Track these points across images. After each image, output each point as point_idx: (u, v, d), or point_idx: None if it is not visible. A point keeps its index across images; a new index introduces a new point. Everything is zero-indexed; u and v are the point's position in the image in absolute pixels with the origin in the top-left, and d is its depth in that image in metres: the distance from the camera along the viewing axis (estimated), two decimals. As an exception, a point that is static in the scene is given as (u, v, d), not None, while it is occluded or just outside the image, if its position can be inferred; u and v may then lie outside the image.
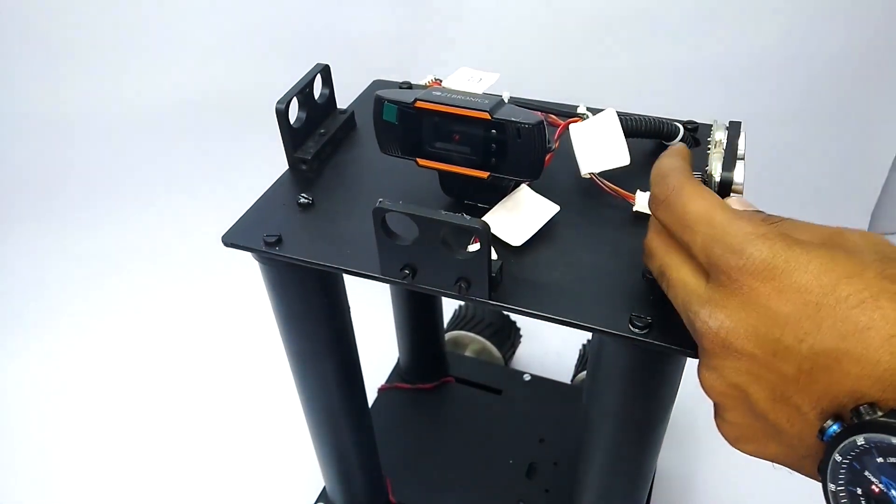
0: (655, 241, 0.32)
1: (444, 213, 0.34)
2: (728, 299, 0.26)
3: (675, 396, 0.42)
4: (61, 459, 0.80)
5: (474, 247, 0.35)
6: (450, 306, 0.85)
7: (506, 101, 0.39)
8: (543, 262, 0.39)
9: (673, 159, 0.32)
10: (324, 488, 0.68)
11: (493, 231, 0.38)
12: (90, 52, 1.13)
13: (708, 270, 0.28)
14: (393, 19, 1.11)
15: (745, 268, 0.26)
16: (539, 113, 0.37)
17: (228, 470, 0.78)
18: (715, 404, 0.30)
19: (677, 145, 0.35)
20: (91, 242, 1.09)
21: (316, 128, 0.48)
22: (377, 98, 0.39)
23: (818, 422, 0.25)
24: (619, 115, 0.41)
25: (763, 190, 0.98)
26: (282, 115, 0.43)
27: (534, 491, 0.67)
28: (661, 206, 0.30)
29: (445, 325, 0.82)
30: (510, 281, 0.38)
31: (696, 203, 0.29)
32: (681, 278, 0.30)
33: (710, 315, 0.27)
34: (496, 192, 0.41)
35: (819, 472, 0.26)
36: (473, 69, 0.44)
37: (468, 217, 0.33)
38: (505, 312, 0.84)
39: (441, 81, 0.45)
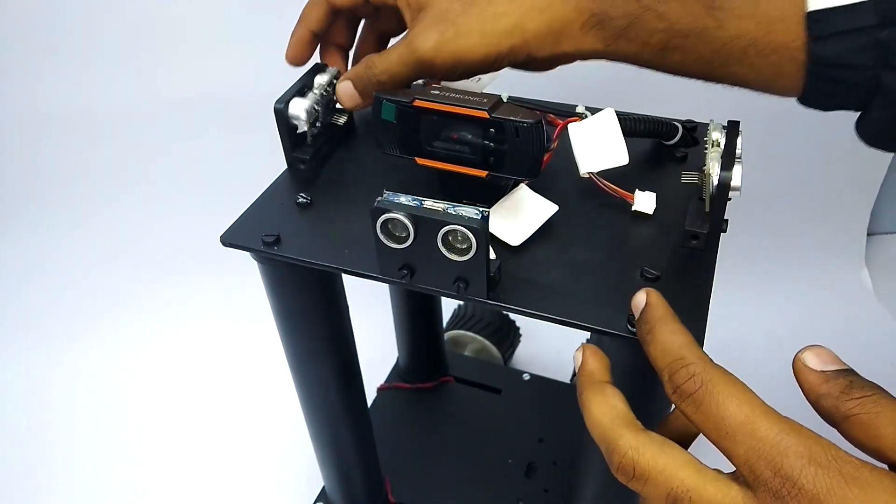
0: (661, 458, 0.25)
1: (441, 212, 0.34)
2: None
3: (674, 396, 0.42)
4: (59, 459, 0.80)
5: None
6: (449, 306, 0.85)
7: (504, 100, 0.39)
8: (542, 262, 0.39)
9: (677, 335, 0.28)
10: (323, 488, 0.68)
11: (491, 230, 0.38)
12: (89, 52, 1.13)
13: (751, 484, 0.24)
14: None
15: (793, 495, 0.23)
16: (538, 112, 0.37)
17: (228, 470, 0.78)
18: None
19: (653, 297, 0.30)
20: (89, 241, 1.09)
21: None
22: (376, 97, 0.39)
23: None
24: (618, 114, 0.41)
25: (762, 190, 0.98)
26: (280, 114, 0.43)
27: (533, 490, 0.67)
28: (687, 401, 0.26)
29: (445, 325, 0.82)
30: (509, 280, 0.38)
31: (735, 407, 0.25)
32: (716, 499, 0.25)
33: None
34: (495, 192, 0.41)
35: None
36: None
37: (466, 217, 0.33)
38: (504, 312, 0.84)
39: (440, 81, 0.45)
